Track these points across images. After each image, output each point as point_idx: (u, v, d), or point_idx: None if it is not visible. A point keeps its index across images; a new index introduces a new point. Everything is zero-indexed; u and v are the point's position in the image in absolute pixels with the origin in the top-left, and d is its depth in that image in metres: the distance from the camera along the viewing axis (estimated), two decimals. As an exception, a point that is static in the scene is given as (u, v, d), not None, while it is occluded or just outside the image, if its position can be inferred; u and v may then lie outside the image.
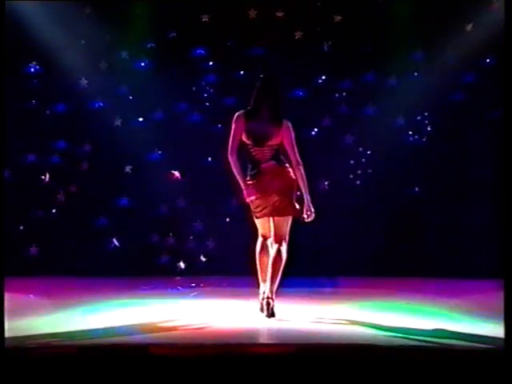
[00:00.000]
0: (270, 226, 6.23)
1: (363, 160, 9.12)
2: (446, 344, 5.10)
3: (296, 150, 6.13)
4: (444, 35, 8.84)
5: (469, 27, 8.82)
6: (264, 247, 6.26)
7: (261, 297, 6.18)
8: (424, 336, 5.35)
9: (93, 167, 9.11)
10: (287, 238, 6.18)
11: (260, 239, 6.31)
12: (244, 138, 6.12)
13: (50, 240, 8.98)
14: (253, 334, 5.67)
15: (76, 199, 9.08)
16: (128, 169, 9.12)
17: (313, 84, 9.12)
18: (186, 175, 9.11)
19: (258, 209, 6.19)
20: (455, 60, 8.83)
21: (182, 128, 9.11)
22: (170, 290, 7.92)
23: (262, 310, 6.11)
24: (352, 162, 9.11)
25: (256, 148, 6.11)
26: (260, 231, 6.31)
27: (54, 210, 9.08)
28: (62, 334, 5.40)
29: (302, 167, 6.15)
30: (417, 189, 9.08)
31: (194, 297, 7.42)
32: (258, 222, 6.28)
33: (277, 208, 6.11)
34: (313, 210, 6.16)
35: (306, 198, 6.15)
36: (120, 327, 5.74)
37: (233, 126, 6.14)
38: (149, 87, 9.02)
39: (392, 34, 8.91)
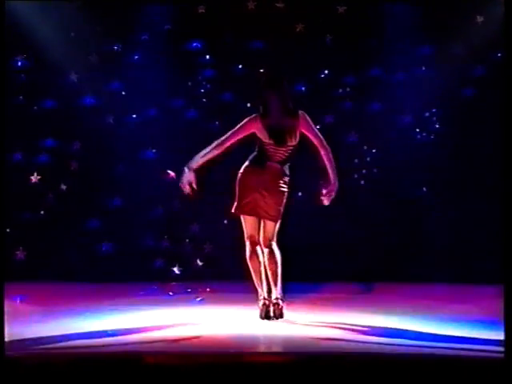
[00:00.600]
0: (258, 227, 6.27)
1: (368, 159, 9.11)
2: (451, 353, 5.09)
3: (319, 135, 6.29)
4: (453, 28, 8.84)
5: (480, 19, 8.78)
6: (253, 251, 6.31)
7: (261, 302, 6.21)
8: (426, 342, 5.38)
9: (83, 166, 9.09)
10: (275, 239, 6.27)
11: (248, 244, 6.33)
12: (265, 139, 6.17)
13: (38, 243, 8.94)
14: (252, 342, 5.66)
15: (65, 200, 9.05)
16: (121, 168, 9.09)
17: (315, 79, 9.11)
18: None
19: (247, 205, 6.20)
20: (465, 53, 8.83)
21: (177, 125, 9.09)
22: (165, 295, 7.94)
23: (262, 315, 6.14)
24: (356, 160, 9.09)
25: (277, 147, 6.19)
26: (247, 233, 6.32)
27: (42, 212, 9.05)
28: (51, 342, 5.38)
29: (329, 152, 6.28)
30: (425, 189, 9.06)
31: (197, 302, 7.43)
32: (245, 221, 6.30)
33: (269, 212, 6.21)
34: (333, 194, 6.17)
35: (334, 182, 6.18)
36: (112, 335, 5.70)
37: (243, 123, 6.19)
38: (142, 82, 9.00)
39: (399, 26, 8.89)
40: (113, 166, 9.07)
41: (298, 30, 9.09)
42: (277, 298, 6.20)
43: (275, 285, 6.21)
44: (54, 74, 8.94)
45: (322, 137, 6.28)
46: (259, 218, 6.27)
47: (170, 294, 8.06)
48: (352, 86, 9.08)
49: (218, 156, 6.28)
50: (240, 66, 9.04)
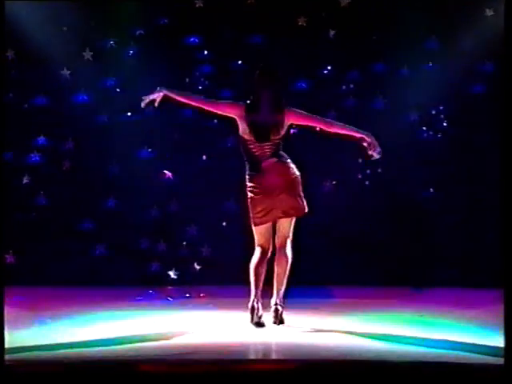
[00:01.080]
0: (269, 235, 6.23)
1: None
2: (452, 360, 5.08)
3: (313, 116, 6.29)
4: (461, 21, 8.80)
5: (489, 13, 8.75)
6: (261, 259, 6.21)
7: (258, 312, 6.10)
8: (429, 349, 5.41)
9: (76, 166, 9.06)
10: (291, 235, 6.26)
11: (257, 250, 6.24)
12: (244, 134, 6.13)
13: (29, 246, 8.90)
14: (251, 349, 5.64)
15: (58, 201, 9.03)
16: (115, 168, 9.06)
17: (317, 75, 9.08)
18: (179, 175, 9.04)
19: (260, 214, 6.17)
20: (474, 48, 8.77)
21: (174, 123, 9.06)
22: (161, 300, 7.92)
23: (253, 320, 6.07)
24: (360, 160, 9.02)
25: (256, 144, 6.12)
26: (258, 241, 6.26)
27: (33, 214, 9.03)
28: (44, 349, 5.36)
29: (333, 121, 6.40)
30: (432, 190, 9.01)
31: (195, 308, 7.39)
32: (256, 230, 6.25)
33: (283, 209, 6.15)
34: (376, 142, 6.15)
35: (366, 134, 6.17)
36: (107, 342, 5.68)
37: (230, 102, 6.37)
38: (138, 78, 8.90)
39: (404, 20, 8.86)
40: (107, 166, 9.05)
41: (299, 23, 9.07)
42: (276, 304, 6.16)
43: (278, 289, 6.18)
44: (45, 69, 8.93)
45: (316, 116, 6.28)
46: (276, 220, 6.24)
47: (169, 299, 8.05)
48: (356, 83, 9.06)
49: (191, 106, 6.36)
50: (239, 62, 9.01)
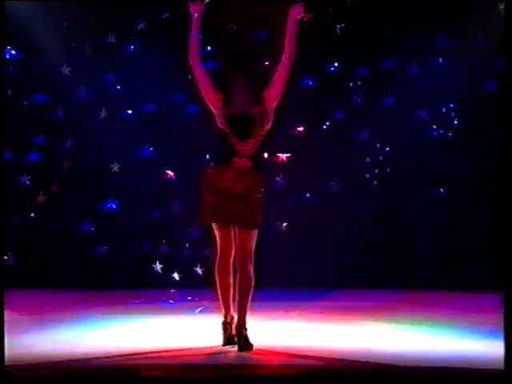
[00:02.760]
0: (229, 238, 5.75)
1: (381, 158, 9.11)
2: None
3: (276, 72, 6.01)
4: (473, 16, 8.79)
5: (501, 7, 8.76)
6: (222, 265, 5.82)
7: (222, 326, 5.86)
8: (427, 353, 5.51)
9: (76, 166, 9.12)
10: (252, 257, 5.69)
11: (218, 255, 5.84)
12: (221, 125, 5.75)
13: (28, 248, 8.96)
14: (257, 354, 5.61)
15: (57, 202, 9.08)
16: (116, 168, 9.12)
17: (324, 72, 9.12)
18: (182, 175, 9.09)
19: (210, 210, 5.72)
20: (486, 44, 8.80)
21: (176, 121, 9.12)
22: (163, 303, 7.97)
23: (224, 340, 5.77)
24: (368, 159, 9.10)
25: (235, 139, 5.71)
26: (218, 243, 5.81)
27: (32, 214, 9.08)
28: (44, 354, 5.38)
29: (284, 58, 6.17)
30: (442, 190, 9.05)
31: (197, 313, 7.42)
32: (215, 229, 5.79)
33: (238, 217, 5.65)
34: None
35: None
36: (108, 347, 5.72)
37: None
38: (139, 75, 9.03)
39: (413, 15, 8.89)
40: (107, 165, 9.09)
41: (305, 19, 9.08)
42: (239, 326, 5.68)
43: (240, 309, 5.69)
44: (44, 66, 8.99)
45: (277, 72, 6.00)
46: (229, 224, 5.72)
47: (171, 301, 8.10)
48: (364, 80, 9.08)
49: (190, 52, 6.37)
50: (243, 58, 9.06)
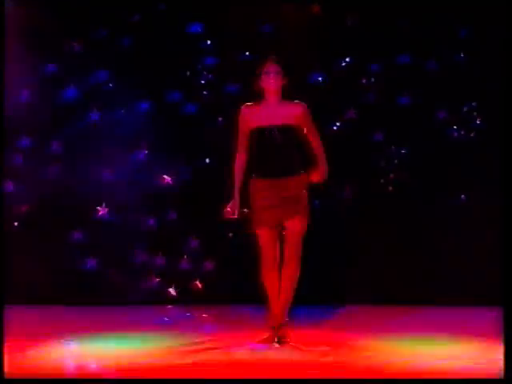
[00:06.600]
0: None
1: (396, 161, 9.13)
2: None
3: None
4: (497, 6, 8.78)
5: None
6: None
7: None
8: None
9: (64, 170, 9.14)
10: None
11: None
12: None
13: (12, 260, 8.84)
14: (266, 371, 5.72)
15: (44, 210, 9.09)
16: (107, 172, 9.15)
17: (334, 67, 9.14)
18: (179, 180, 9.14)
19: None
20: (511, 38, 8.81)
21: (174, 122, 9.14)
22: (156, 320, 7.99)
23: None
24: (383, 163, 9.12)
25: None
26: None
27: (15, 224, 9.10)
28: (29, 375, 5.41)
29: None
30: (463, 196, 9.05)
31: (196, 329, 7.47)
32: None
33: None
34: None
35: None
36: (98, 367, 5.80)
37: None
38: (133, 72, 9.06)
39: (432, 5, 8.88)
40: (99, 170, 9.10)
41: (314, 10, 9.15)
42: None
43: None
44: (28, 62, 8.97)
45: None
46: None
47: (166, 319, 8.14)
48: (377, 76, 9.10)
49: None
50: (247, 53, 9.07)
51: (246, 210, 6.69)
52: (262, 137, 6.50)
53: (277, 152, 6.49)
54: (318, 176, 6.59)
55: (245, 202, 6.67)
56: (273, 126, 6.48)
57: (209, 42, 9.14)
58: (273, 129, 6.48)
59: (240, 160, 6.65)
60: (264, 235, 6.55)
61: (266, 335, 6.57)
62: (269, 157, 6.51)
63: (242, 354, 6.18)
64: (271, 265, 6.56)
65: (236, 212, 6.57)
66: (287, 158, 6.51)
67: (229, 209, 6.61)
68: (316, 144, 6.66)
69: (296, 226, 6.52)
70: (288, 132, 6.51)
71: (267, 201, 6.50)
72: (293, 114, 6.55)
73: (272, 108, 6.55)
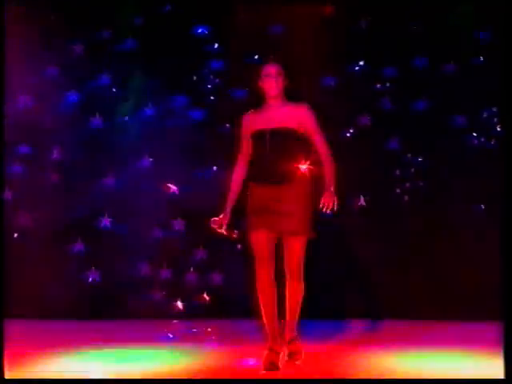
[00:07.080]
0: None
1: (412, 170, 9.09)
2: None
3: None
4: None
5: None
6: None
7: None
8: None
9: (65, 179, 9.15)
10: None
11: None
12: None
13: (11, 272, 8.80)
14: None
15: (44, 220, 9.08)
16: (110, 181, 9.12)
17: (347, 71, 9.13)
18: (185, 189, 9.07)
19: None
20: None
21: (179, 128, 9.11)
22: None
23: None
24: (398, 172, 9.08)
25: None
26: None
27: (15, 235, 9.08)
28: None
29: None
30: (483, 206, 9.00)
31: (202, 344, 7.50)
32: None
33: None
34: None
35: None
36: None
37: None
38: (137, 76, 9.08)
39: (450, 5, 8.86)
40: (101, 178, 9.11)
41: (326, 12, 9.08)
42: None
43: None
44: (29, 66, 8.96)
45: None
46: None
47: (170, 335, 8.13)
48: (393, 80, 9.08)
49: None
50: (256, 57, 8.96)
51: (236, 232, 6.45)
52: (259, 141, 6.30)
53: (270, 156, 6.23)
54: (326, 199, 6.19)
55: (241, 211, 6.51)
56: (269, 129, 6.27)
57: (216, 44, 9.15)
58: (268, 132, 6.26)
59: (237, 173, 6.47)
60: (256, 239, 6.24)
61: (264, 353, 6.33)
62: (263, 161, 6.27)
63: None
64: (266, 276, 6.22)
65: (224, 227, 6.35)
66: (283, 164, 6.19)
67: (217, 219, 6.40)
68: (322, 150, 6.31)
69: (295, 246, 6.27)
70: (286, 135, 6.24)
71: (260, 204, 6.22)
72: (294, 115, 6.30)
73: (273, 111, 6.35)
